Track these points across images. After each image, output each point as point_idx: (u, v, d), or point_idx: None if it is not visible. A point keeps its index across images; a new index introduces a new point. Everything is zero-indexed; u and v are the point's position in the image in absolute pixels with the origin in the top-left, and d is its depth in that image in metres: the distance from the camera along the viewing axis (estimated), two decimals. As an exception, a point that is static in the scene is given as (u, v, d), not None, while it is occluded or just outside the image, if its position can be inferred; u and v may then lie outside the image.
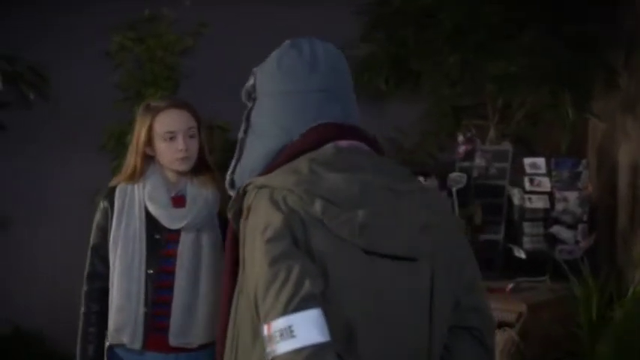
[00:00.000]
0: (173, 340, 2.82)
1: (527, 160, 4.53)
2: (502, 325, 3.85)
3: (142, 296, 2.83)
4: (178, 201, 2.88)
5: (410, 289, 1.92)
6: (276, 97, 2.08)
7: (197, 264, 2.83)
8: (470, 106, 5.00)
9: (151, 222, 2.86)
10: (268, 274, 1.82)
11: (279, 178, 1.94)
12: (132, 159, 2.90)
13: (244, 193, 2.00)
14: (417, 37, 4.77)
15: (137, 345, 2.84)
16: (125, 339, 2.84)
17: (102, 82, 4.69)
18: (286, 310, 1.78)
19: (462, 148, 4.71)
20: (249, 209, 1.95)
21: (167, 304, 2.83)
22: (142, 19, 4.74)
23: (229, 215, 2.05)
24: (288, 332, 1.76)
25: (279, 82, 2.08)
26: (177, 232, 2.85)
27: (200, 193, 2.87)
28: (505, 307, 3.95)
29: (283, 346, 1.77)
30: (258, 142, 2.09)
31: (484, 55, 4.52)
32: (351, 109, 2.13)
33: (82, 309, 2.93)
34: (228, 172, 2.16)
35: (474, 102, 5.00)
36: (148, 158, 2.91)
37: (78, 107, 4.96)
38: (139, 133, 2.88)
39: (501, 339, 3.70)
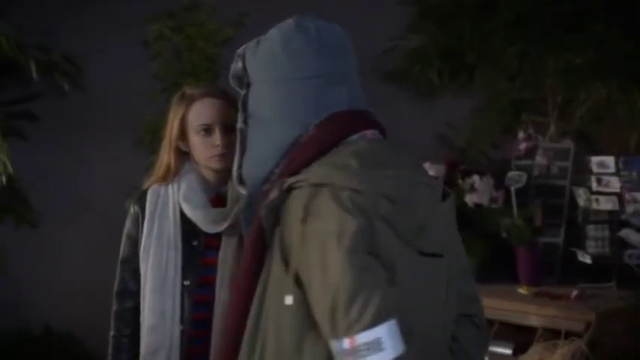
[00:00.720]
0: None
1: (594, 159, 4.20)
2: (569, 334, 3.61)
3: (178, 313, 2.51)
4: (218, 202, 2.57)
5: (440, 286, 1.94)
6: (280, 83, 1.97)
7: None
8: (527, 101, 4.75)
9: (187, 226, 2.55)
10: (352, 285, 1.73)
11: (333, 174, 1.80)
12: (165, 156, 2.60)
13: (289, 190, 1.83)
14: (473, 28, 4.56)
15: None
16: None
17: (139, 72, 4.54)
18: (374, 323, 1.72)
19: (522, 146, 4.45)
20: (306, 211, 1.78)
21: (206, 323, 2.49)
22: (181, 7, 4.61)
23: (263, 213, 1.86)
24: (377, 345, 1.71)
25: (285, 67, 1.96)
26: (218, 236, 2.53)
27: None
28: (571, 315, 3.68)
29: None
30: (265, 133, 1.96)
31: (548, 47, 4.29)
32: (358, 92, 2.04)
33: (112, 332, 2.64)
34: (234, 168, 2.03)
35: (531, 97, 4.75)
36: (184, 155, 2.61)
37: (113, 98, 4.81)
38: (172, 124, 2.58)
39: (569, 350, 3.48)
